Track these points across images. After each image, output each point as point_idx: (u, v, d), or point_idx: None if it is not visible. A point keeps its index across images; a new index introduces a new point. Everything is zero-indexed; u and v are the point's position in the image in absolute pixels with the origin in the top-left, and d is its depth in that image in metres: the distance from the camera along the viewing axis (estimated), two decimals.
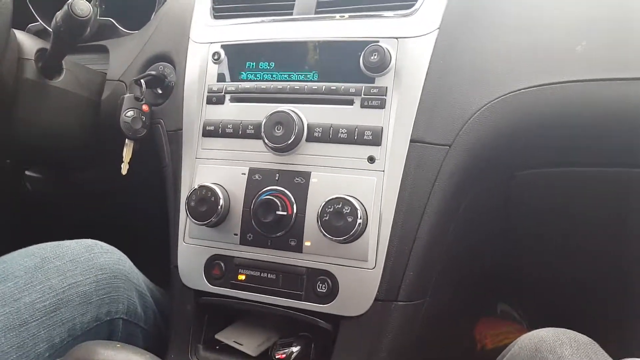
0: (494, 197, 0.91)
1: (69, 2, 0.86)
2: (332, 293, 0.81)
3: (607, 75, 0.76)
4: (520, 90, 0.78)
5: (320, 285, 0.81)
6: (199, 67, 0.94)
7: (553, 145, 0.82)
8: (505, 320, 1.33)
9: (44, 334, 0.76)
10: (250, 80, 0.90)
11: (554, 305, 1.24)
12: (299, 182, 0.83)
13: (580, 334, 0.65)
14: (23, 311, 0.76)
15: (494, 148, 0.80)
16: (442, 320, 0.98)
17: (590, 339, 0.64)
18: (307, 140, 0.84)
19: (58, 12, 0.88)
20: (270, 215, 0.82)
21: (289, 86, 0.87)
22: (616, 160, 0.83)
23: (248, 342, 0.88)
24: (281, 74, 0.88)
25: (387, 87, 0.81)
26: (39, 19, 1.19)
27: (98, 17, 1.15)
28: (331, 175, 0.82)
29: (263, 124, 0.84)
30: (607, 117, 0.77)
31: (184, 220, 0.91)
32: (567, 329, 0.65)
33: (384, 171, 0.79)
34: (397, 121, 0.80)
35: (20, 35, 0.98)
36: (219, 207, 0.84)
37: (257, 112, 0.87)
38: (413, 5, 0.83)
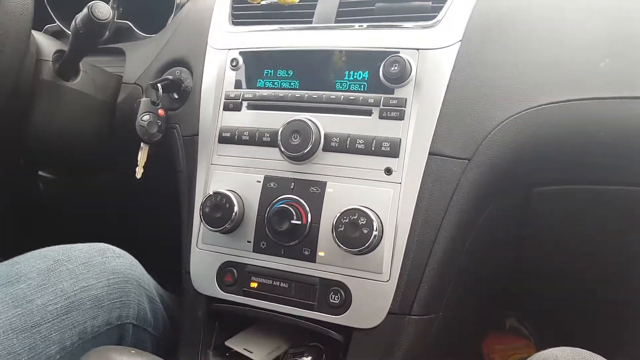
0: (511, 212, 0.90)
1: (89, 4, 0.86)
2: (344, 304, 0.80)
3: (629, 94, 0.76)
4: (541, 105, 0.77)
5: (333, 296, 0.81)
6: (217, 73, 0.94)
7: (573, 162, 0.81)
8: (514, 335, 1.32)
9: (55, 337, 0.76)
10: (268, 88, 0.90)
11: (564, 322, 1.23)
12: (314, 192, 0.83)
13: (595, 354, 0.64)
14: (35, 313, 0.75)
15: (514, 163, 0.79)
16: (453, 335, 0.97)
17: None
18: (324, 149, 0.83)
19: (78, 15, 0.89)
20: (285, 224, 0.81)
21: (306, 95, 0.86)
22: (636, 179, 0.82)
23: (258, 350, 0.88)
24: (299, 82, 0.88)
25: (406, 99, 0.80)
26: (56, 20, 1.19)
27: (115, 20, 1.15)
28: (347, 186, 0.81)
29: (280, 132, 0.84)
30: (629, 136, 0.77)
31: (198, 226, 0.90)
32: (576, 346, 0.64)
33: (401, 183, 0.79)
34: (416, 133, 0.79)
35: (38, 37, 0.98)
36: (234, 213, 0.84)
37: (274, 120, 0.86)
38: (435, 16, 0.83)
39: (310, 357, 0.84)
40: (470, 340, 1.22)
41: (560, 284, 1.13)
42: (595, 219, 0.90)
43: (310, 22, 0.91)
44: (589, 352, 0.64)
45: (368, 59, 0.83)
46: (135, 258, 0.92)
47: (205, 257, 0.89)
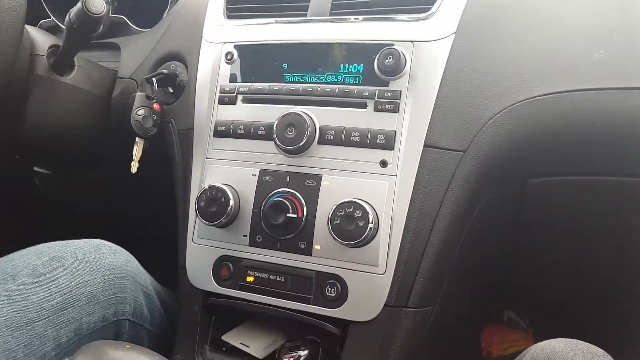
0: (506, 204, 0.90)
1: None
2: (341, 297, 0.80)
3: (623, 84, 0.75)
4: (535, 97, 0.77)
5: (329, 289, 0.81)
6: (211, 67, 0.94)
7: (568, 153, 0.81)
8: (512, 328, 1.32)
9: (50, 333, 0.76)
10: (263, 81, 0.89)
11: (560, 314, 1.23)
12: (310, 185, 0.83)
13: (593, 345, 0.64)
14: (31, 309, 0.75)
15: (508, 155, 0.79)
16: (450, 327, 0.97)
17: (603, 351, 0.63)
18: (319, 142, 0.83)
19: (72, 9, 0.88)
20: (281, 218, 0.81)
21: (301, 88, 0.86)
22: (630, 170, 0.82)
23: (254, 344, 0.87)
24: (294, 76, 0.87)
25: (401, 91, 0.80)
26: (51, 15, 1.19)
27: (110, 15, 1.14)
28: (343, 179, 0.81)
29: (275, 125, 0.84)
30: (623, 126, 0.77)
31: (193, 220, 0.90)
32: (574, 338, 0.64)
33: (396, 176, 0.79)
34: (411, 125, 0.79)
35: (32, 32, 0.98)
36: (229, 207, 0.83)
37: (269, 114, 0.86)
38: (429, 9, 0.83)
39: (306, 351, 0.84)
40: (467, 333, 1.22)
41: (558, 276, 1.13)
42: (591, 210, 0.90)
43: (305, 15, 0.91)
44: (587, 343, 0.64)
45: (363, 52, 0.83)
46: (131, 253, 0.92)
47: (201, 251, 0.89)
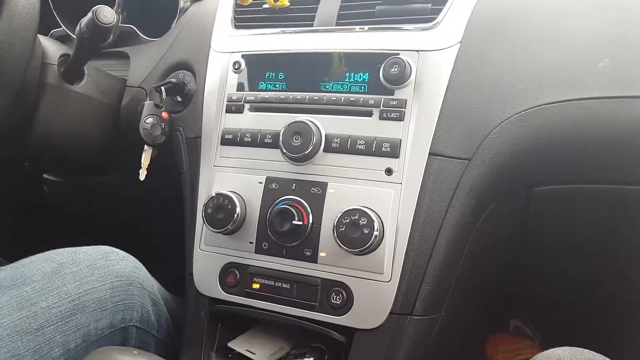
0: (511, 212, 0.90)
1: (93, 9, 0.87)
2: (346, 305, 0.80)
3: (628, 93, 0.76)
4: (541, 105, 0.78)
5: (335, 296, 0.81)
6: (219, 76, 0.95)
7: (573, 161, 0.81)
8: (518, 336, 1.32)
9: (59, 339, 0.77)
10: (270, 90, 0.90)
11: (567, 322, 1.23)
12: (315, 193, 0.83)
13: (598, 354, 0.64)
14: (40, 315, 0.76)
15: (514, 163, 0.79)
16: (456, 335, 0.97)
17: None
18: (325, 150, 0.84)
19: (82, 19, 0.90)
20: (286, 225, 0.82)
21: (307, 97, 0.87)
22: (636, 178, 0.82)
23: (260, 351, 0.88)
24: (300, 84, 0.88)
25: (406, 100, 0.81)
26: (62, 24, 1.21)
27: (120, 24, 1.16)
28: (348, 187, 0.82)
29: (281, 133, 0.84)
30: (628, 134, 0.76)
31: (200, 227, 0.91)
32: (581, 347, 0.64)
33: (401, 183, 0.79)
34: (416, 134, 0.79)
35: (44, 41, 0.99)
36: (236, 215, 0.84)
37: (276, 122, 0.87)
38: (435, 18, 0.83)
39: (312, 358, 0.84)
40: (473, 341, 1.21)
41: (564, 284, 1.12)
42: (597, 218, 0.90)
43: (312, 25, 0.92)
44: (592, 351, 0.64)
45: (368, 61, 0.84)
46: (139, 260, 0.93)
47: (207, 258, 0.90)
